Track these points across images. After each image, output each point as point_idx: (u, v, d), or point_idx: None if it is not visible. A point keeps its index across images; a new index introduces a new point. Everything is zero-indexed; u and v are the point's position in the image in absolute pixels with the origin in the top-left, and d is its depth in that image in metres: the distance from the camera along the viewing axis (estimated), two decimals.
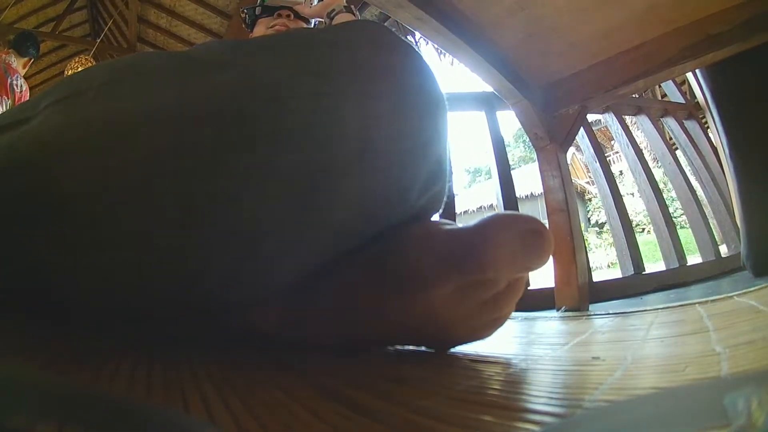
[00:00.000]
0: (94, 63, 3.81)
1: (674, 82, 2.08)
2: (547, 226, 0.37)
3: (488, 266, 0.32)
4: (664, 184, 2.89)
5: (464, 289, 0.33)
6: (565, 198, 1.06)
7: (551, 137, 1.09)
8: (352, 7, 0.92)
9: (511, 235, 0.32)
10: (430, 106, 0.34)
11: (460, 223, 0.36)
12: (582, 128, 1.56)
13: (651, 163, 1.83)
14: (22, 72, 2.46)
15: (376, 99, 0.31)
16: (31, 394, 0.13)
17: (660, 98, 3.31)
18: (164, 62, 0.31)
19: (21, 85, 2.40)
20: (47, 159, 0.27)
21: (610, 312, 0.82)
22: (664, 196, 1.70)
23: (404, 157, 0.33)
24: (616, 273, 1.54)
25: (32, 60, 2.59)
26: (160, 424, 0.14)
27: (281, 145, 0.28)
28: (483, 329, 0.37)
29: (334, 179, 0.29)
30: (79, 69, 3.68)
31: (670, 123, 1.93)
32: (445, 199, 0.39)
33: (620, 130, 1.77)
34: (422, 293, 0.33)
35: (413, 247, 0.34)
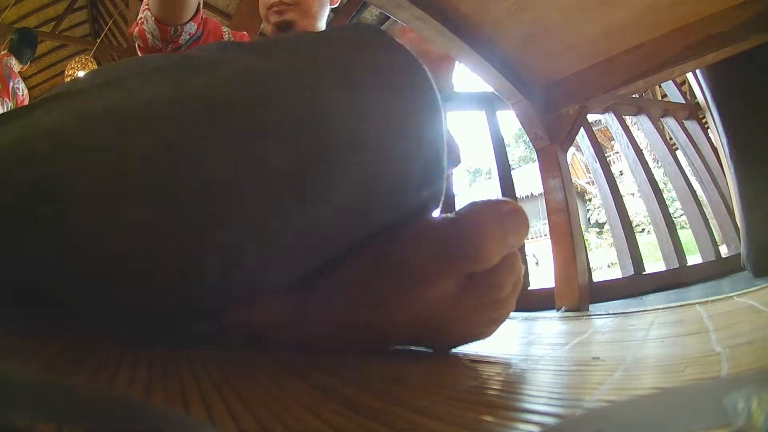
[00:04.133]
0: (94, 63, 3.81)
1: (674, 82, 2.08)
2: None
3: (483, 253, 0.33)
4: (664, 184, 2.89)
5: (464, 287, 0.33)
6: (565, 198, 1.06)
7: (551, 137, 1.09)
8: None
9: (496, 219, 0.33)
10: (421, 104, 0.35)
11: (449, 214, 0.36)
12: (582, 128, 1.56)
13: (651, 163, 1.83)
14: (18, 68, 2.48)
15: (362, 93, 0.31)
16: (31, 394, 0.13)
17: (660, 98, 3.31)
18: (163, 62, 0.32)
19: (22, 90, 2.42)
20: (49, 151, 0.28)
21: (610, 312, 0.82)
22: (664, 196, 1.70)
23: (396, 153, 0.33)
24: (616, 273, 1.54)
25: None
26: (160, 424, 0.14)
27: (270, 137, 0.28)
28: (483, 328, 0.37)
29: (324, 171, 0.30)
30: (80, 68, 3.69)
31: (670, 123, 1.94)
32: (443, 197, 0.39)
33: (620, 131, 1.77)
34: (422, 290, 0.33)
35: (409, 243, 0.34)
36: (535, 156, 1.15)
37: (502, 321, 0.38)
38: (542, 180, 1.11)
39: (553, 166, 1.09)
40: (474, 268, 0.33)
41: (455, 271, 0.33)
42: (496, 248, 0.33)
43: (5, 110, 2.23)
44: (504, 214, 0.34)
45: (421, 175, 0.36)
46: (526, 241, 0.43)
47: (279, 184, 0.29)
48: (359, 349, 0.36)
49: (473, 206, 0.34)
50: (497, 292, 0.35)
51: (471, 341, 0.38)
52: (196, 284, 0.32)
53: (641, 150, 1.75)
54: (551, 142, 1.09)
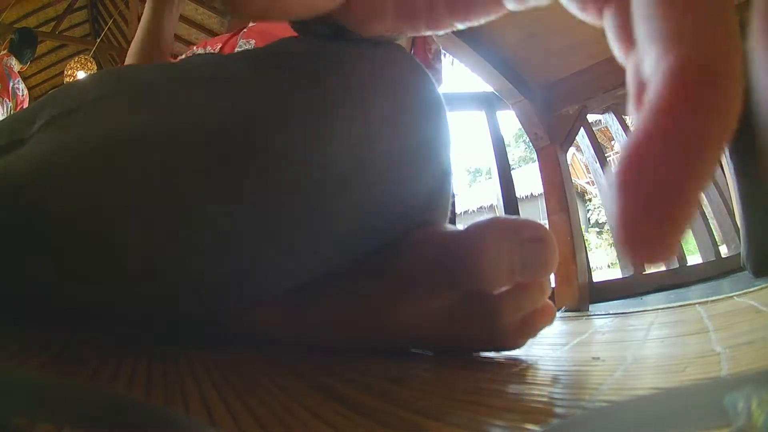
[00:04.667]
0: (93, 63, 3.81)
1: None
2: (547, 226, 0.35)
3: (482, 278, 0.30)
4: None
5: (460, 305, 0.32)
6: (565, 198, 1.06)
7: (551, 137, 1.09)
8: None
9: (509, 244, 0.30)
10: (431, 124, 0.33)
11: (460, 225, 0.35)
12: (582, 128, 1.56)
13: None
14: (18, 68, 2.49)
15: (370, 119, 0.30)
16: (31, 395, 0.13)
17: None
18: (156, 76, 0.31)
19: (22, 90, 2.43)
20: (41, 185, 0.27)
21: (610, 312, 0.82)
22: None
23: (403, 178, 0.32)
24: (616, 273, 1.54)
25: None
26: (161, 423, 0.14)
27: (271, 164, 0.27)
28: (481, 346, 0.35)
29: (327, 198, 0.29)
30: (79, 68, 3.69)
31: None
32: (449, 213, 0.38)
33: (620, 131, 1.77)
34: (416, 302, 0.32)
35: (409, 253, 0.33)
36: (535, 156, 1.15)
37: (506, 348, 0.35)
38: (542, 180, 1.11)
39: (553, 166, 1.09)
40: (469, 287, 0.31)
41: (448, 287, 0.32)
42: (496, 272, 0.30)
43: (5, 110, 2.24)
44: (522, 241, 0.30)
45: (428, 197, 0.35)
46: None
47: (275, 214, 0.28)
48: (359, 349, 0.36)
49: (489, 222, 0.31)
50: (494, 320, 0.32)
51: (477, 351, 0.36)
52: (194, 299, 0.31)
53: None
54: (551, 142, 1.09)
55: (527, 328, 0.34)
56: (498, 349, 0.35)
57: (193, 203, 0.27)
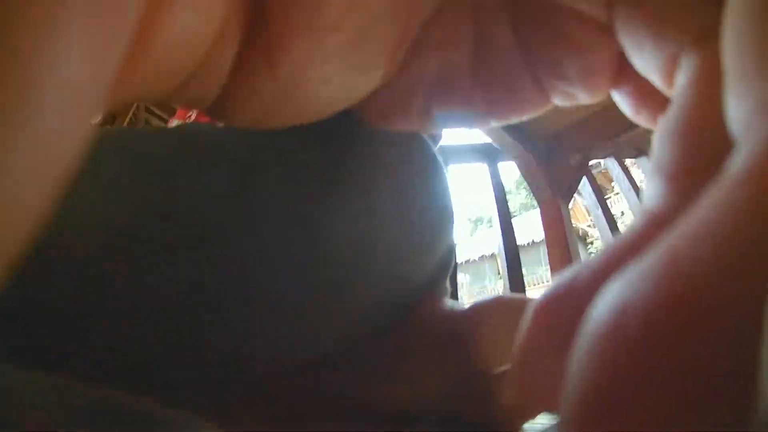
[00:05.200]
0: None
1: None
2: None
3: (481, 361, 0.30)
4: None
5: (465, 381, 0.31)
6: (567, 249, 1.06)
7: (553, 189, 1.10)
8: None
9: (510, 325, 0.29)
10: (434, 205, 0.32)
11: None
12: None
13: None
14: None
15: (373, 205, 0.29)
16: (35, 397, 0.13)
17: None
18: (159, 152, 0.28)
19: None
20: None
21: None
22: None
23: (406, 265, 0.31)
24: None
25: None
26: (159, 424, 0.14)
27: (258, 260, 0.26)
28: (485, 420, 0.34)
29: (329, 294, 0.28)
30: None
31: None
32: (448, 288, 0.37)
33: (621, 175, 1.78)
34: (416, 382, 0.31)
35: (410, 333, 0.32)
36: (536, 202, 1.15)
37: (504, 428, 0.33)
38: (544, 233, 1.11)
39: (555, 219, 1.09)
40: (468, 369, 0.30)
41: (447, 369, 0.31)
42: (496, 355, 0.29)
43: None
44: (517, 323, 0.29)
45: (431, 276, 0.34)
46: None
47: (271, 311, 0.27)
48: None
49: (491, 303, 0.31)
50: (492, 401, 0.31)
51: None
52: (195, 365, 0.30)
53: (642, 192, 1.75)
54: (553, 194, 1.10)
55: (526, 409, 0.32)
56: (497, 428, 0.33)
57: (189, 291, 0.26)
